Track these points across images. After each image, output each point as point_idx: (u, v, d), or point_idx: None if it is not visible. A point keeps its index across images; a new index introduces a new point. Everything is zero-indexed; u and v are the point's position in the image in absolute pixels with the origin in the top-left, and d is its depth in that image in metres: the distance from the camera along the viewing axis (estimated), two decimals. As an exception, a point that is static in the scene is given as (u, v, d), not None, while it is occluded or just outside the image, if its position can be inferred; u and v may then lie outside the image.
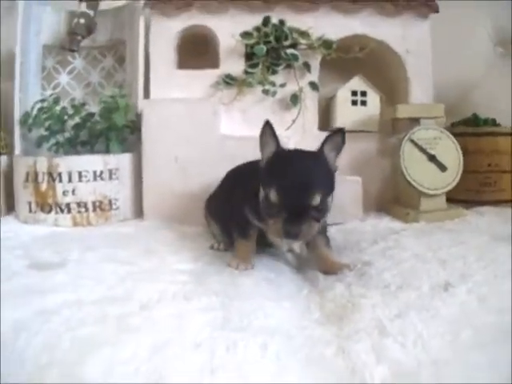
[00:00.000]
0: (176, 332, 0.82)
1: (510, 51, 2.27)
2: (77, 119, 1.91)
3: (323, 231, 1.23)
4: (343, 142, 1.14)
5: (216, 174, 1.49)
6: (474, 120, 1.98)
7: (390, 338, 0.79)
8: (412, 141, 1.70)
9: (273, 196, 1.04)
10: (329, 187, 1.11)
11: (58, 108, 1.89)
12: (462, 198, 1.84)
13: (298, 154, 1.15)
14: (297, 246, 1.35)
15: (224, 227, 1.39)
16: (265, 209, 1.09)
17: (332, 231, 1.49)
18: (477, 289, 0.98)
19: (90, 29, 2.03)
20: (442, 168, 1.70)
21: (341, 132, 1.13)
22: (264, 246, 1.30)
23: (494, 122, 1.97)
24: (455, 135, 1.75)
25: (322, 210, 1.08)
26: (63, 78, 2.17)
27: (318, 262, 1.23)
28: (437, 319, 0.86)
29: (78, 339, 0.80)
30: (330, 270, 1.18)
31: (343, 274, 1.15)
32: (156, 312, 0.91)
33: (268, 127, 1.13)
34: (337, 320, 0.89)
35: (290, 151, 1.15)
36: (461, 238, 1.37)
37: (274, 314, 0.91)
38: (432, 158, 1.70)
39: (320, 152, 1.12)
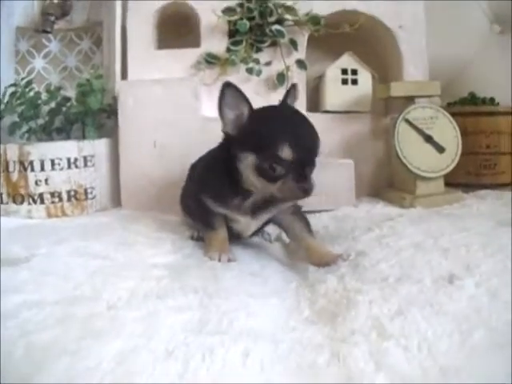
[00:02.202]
0: (145, 337, 0.71)
1: (510, 29, 2.15)
2: (52, 105, 1.80)
3: (297, 211, 1.18)
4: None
5: (198, 159, 1.39)
6: (472, 99, 1.88)
7: (390, 341, 0.69)
8: (407, 120, 1.60)
9: (286, 152, 0.97)
10: None
11: (31, 93, 1.77)
12: (461, 181, 1.74)
13: (284, 108, 1.10)
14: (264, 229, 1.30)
15: (194, 220, 1.32)
16: (266, 172, 1.00)
17: (323, 218, 1.42)
18: (485, 281, 0.87)
19: (64, 9, 1.94)
20: (440, 149, 1.60)
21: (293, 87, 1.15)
22: (230, 237, 1.20)
23: (492, 101, 1.86)
24: (453, 115, 1.65)
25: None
26: (38, 63, 2.07)
27: (307, 254, 1.13)
28: (443, 316, 0.75)
29: (34, 346, 0.69)
30: (322, 261, 1.07)
31: (336, 265, 1.04)
32: (124, 313, 0.80)
33: (233, 88, 1.05)
34: (330, 319, 0.79)
35: (273, 107, 1.11)
36: (463, 224, 1.26)
37: (258, 312, 0.81)
38: (429, 139, 1.60)
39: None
